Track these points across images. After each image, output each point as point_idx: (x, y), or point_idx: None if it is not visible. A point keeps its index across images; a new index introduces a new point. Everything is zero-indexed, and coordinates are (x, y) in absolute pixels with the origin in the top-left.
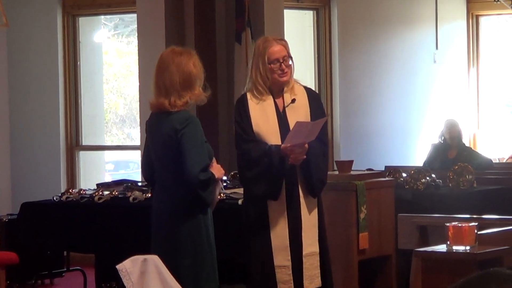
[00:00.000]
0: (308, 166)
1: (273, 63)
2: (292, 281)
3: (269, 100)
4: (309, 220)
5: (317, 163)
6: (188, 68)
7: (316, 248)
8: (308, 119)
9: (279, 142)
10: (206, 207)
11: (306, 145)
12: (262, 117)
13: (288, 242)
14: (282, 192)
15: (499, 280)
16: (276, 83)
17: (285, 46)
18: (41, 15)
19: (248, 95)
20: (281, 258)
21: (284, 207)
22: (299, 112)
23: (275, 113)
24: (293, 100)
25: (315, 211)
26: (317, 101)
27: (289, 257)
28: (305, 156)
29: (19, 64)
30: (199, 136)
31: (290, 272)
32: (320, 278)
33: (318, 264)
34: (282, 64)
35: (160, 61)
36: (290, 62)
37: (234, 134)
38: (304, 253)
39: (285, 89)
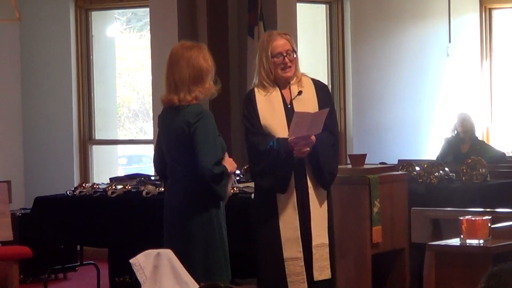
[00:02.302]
0: (317, 159)
1: (277, 56)
2: (304, 273)
3: (276, 93)
4: (319, 212)
5: (326, 155)
6: (198, 63)
7: (325, 240)
8: (316, 110)
9: (286, 135)
10: (219, 201)
11: (313, 137)
12: (269, 111)
13: (299, 233)
14: (291, 184)
15: None
16: (280, 78)
17: (289, 40)
18: (53, 9)
19: (256, 90)
20: (293, 250)
21: (294, 199)
22: (306, 104)
23: (282, 106)
24: (300, 92)
25: (325, 203)
26: (325, 92)
27: (301, 249)
28: (308, 149)
29: (32, 59)
30: (212, 130)
31: (303, 263)
32: (330, 269)
33: (328, 255)
34: (286, 58)
35: (170, 56)
36: (295, 56)
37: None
38: (313, 244)
39: (292, 82)
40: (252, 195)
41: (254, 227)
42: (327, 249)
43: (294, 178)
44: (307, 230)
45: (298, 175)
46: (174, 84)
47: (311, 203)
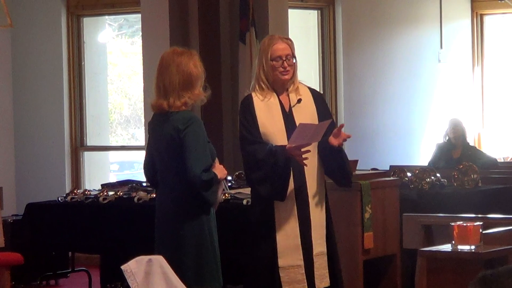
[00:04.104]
0: (342, 156)
1: (276, 60)
2: (305, 281)
3: (274, 100)
4: (318, 220)
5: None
6: (188, 69)
7: (324, 248)
8: (315, 119)
9: (285, 143)
10: (209, 207)
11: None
12: (268, 118)
13: (299, 241)
14: (291, 193)
15: None
16: (278, 81)
17: (290, 45)
18: (45, 15)
19: (253, 95)
20: (293, 258)
21: (294, 207)
22: (305, 112)
23: (281, 113)
24: (299, 100)
25: (323, 211)
26: (322, 101)
27: (301, 257)
28: (307, 158)
29: (23, 65)
30: (202, 136)
31: (303, 271)
32: (328, 277)
33: (326, 264)
34: (285, 62)
35: (160, 62)
36: (294, 61)
37: (238, 135)
38: (314, 252)
39: (290, 89)
40: (244, 201)
41: (251, 236)
42: (325, 258)
43: (294, 186)
44: (307, 239)
45: (297, 184)
46: (163, 89)
47: (311, 212)
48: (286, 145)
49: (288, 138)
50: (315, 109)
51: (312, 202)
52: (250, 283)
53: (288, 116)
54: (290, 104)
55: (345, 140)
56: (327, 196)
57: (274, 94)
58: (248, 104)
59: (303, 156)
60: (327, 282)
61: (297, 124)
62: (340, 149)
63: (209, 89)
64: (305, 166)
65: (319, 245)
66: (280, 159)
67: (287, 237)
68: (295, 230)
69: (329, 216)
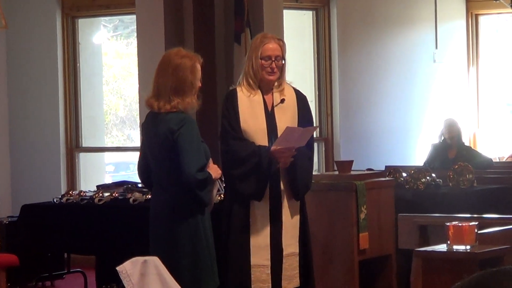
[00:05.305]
0: (295, 170)
1: (265, 59)
2: (269, 281)
3: (259, 97)
4: (290, 221)
5: (304, 167)
6: (184, 74)
7: (295, 249)
8: (295, 121)
9: (265, 141)
10: (204, 207)
11: (294, 150)
12: (251, 114)
13: (269, 241)
14: (266, 193)
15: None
16: (263, 80)
17: (282, 46)
18: (40, 17)
19: (238, 90)
20: (260, 257)
21: (267, 208)
22: (287, 113)
23: (263, 112)
24: (282, 100)
25: (297, 213)
26: (305, 105)
27: (269, 257)
28: (292, 159)
29: (18, 66)
30: (196, 136)
31: (269, 271)
32: (299, 278)
33: (297, 264)
34: (273, 62)
35: (161, 60)
36: (283, 62)
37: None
38: (284, 253)
39: (275, 89)
40: None
41: (226, 233)
42: (297, 258)
43: (268, 187)
44: (278, 239)
45: (272, 184)
46: (157, 89)
47: (283, 213)
48: (270, 147)
49: (269, 137)
50: (297, 110)
51: (285, 203)
52: (226, 279)
53: (270, 115)
54: (273, 104)
55: (287, 158)
56: (303, 198)
57: (259, 92)
58: (232, 98)
59: (287, 160)
60: (296, 282)
61: (278, 124)
62: (291, 165)
63: (200, 98)
64: (280, 169)
65: (290, 246)
66: (264, 159)
67: (258, 236)
68: (266, 230)
69: (305, 217)
